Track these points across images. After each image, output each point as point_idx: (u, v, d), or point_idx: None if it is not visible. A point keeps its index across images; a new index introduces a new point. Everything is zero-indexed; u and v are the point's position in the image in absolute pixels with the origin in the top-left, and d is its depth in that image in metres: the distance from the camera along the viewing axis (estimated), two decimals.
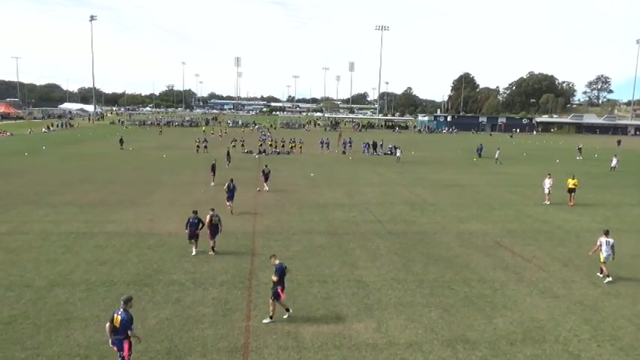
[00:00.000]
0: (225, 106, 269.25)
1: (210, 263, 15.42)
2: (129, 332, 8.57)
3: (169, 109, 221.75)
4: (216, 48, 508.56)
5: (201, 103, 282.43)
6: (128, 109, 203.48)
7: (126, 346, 8.61)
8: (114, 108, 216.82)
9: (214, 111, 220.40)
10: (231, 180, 22.73)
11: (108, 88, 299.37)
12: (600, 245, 14.83)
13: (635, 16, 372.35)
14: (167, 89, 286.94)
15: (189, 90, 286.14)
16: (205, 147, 51.92)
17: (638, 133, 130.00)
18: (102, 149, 52.83)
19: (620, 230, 21.21)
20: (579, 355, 10.23)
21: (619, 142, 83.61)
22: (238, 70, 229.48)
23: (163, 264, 15.23)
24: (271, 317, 11.40)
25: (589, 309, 12.64)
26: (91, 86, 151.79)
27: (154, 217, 21.34)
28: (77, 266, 14.83)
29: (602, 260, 14.81)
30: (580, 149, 57.67)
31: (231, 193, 22.29)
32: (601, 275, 14.99)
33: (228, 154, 40.39)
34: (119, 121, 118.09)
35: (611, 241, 14.77)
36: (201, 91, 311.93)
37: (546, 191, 26.67)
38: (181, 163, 41.98)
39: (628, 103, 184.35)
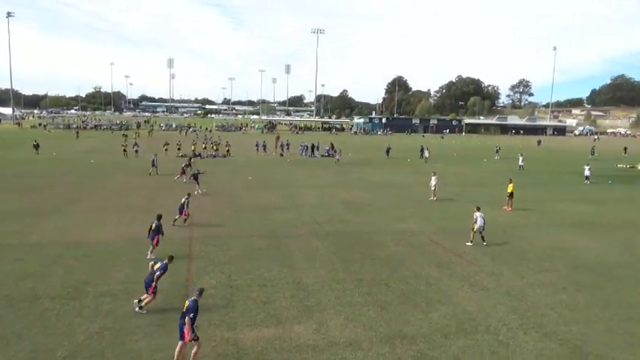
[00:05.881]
0: (158, 109, 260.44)
1: (144, 272, 14.77)
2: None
3: (97, 112, 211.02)
4: (148, 49, 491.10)
5: (132, 106, 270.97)
6: (51, 112, 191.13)
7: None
8: (35, 111, 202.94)
9: (146, 114, 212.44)
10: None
11: (28, 90, 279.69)
12: (476, 218, 18.42)
13: (553, 23, 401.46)
14: (94, 91, 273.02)
15: (119, 92, 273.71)
16: (136, 151, 49.59)
17: (555, 133, 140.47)
18: (22, 155, 49.27)
19: (539, 225, 22.72)
20: (508, 344, 10.81)
21: (539, 142, 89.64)
22: (171, 72, 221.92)
23: (93, 275, 14.43)
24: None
25: (516, 299, 13.40)
26: (9, 87, 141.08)
27: (82, 226, 20.19)
28: None
29: (474, 229, 18.44)
30: (498, 150, 60.89)
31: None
32: (471, 244, 18.46)
33: (153, 160, 36.76)
34: (40, 124, 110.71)
35: (482, 214, 18.53)
36: (132, 93, 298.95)
37: (432, 188, 28.47)
38: (111, 167, 40.06)
39: (546, 106, 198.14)
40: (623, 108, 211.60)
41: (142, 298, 12.04)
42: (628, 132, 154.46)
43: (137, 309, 11.88)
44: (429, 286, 14.28)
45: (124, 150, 49.99)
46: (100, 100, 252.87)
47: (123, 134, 75.70)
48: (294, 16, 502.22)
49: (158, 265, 12.19)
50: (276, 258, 16.52)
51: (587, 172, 37.53)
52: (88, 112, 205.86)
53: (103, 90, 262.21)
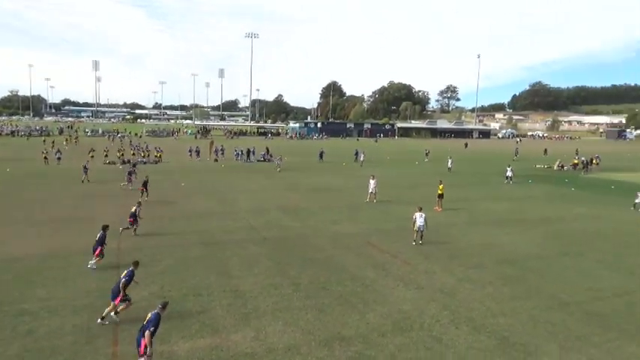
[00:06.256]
0: (83, 114, 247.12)
1: (67, 287, 13.92)
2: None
3: (14, 117, 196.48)
4: (70, 51, 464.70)
5: (54, 110, 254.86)
6: None
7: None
8: None
9: (69, 119, 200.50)
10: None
11: None
12: (415, 219, 19.15)
13: (477, 33, 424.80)
14: (10, 94, 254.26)
15: (39, 96, 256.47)
16: (59, 158, 46.58)
17: (481, 136, 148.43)
18: None
19: (469, 223, 23.84)
20: (441, 339, 11.20)
21: (466, 144, 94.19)
22: (97, 75, 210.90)
23: (9, 293, 13.34)
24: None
25: (447, 296, 13.93)
26: None
27: None
28: None
29: (415, 229, 19.16)
30: (427, 153, 63.58)
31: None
32: (414, 243, 19.16)
33: (85, 167, 35.36)
34: None
35: (424, 215, 19.23)
36: (53, 97, 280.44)
37: (370, 191, 29.03)
38: (31, 176, 37.40)
39: (472, 110, 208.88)
40: (541, 112, 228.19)
41: (106, 311, 11.71)
42: (545, 134, 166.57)
43: (99, 320, 11.62)
44: (366, 287, 14.52)
45: (45, 157, 46.84)
46: (17, 105, 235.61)
47: (43, 140, 71.01)
48: (228, 19, 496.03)
49: (124, 273, 12.01)
50: (213, 266, 16.13)
51: (509, 173, 39.90)
52: (3, 118, 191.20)
53: (20, 94, 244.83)
